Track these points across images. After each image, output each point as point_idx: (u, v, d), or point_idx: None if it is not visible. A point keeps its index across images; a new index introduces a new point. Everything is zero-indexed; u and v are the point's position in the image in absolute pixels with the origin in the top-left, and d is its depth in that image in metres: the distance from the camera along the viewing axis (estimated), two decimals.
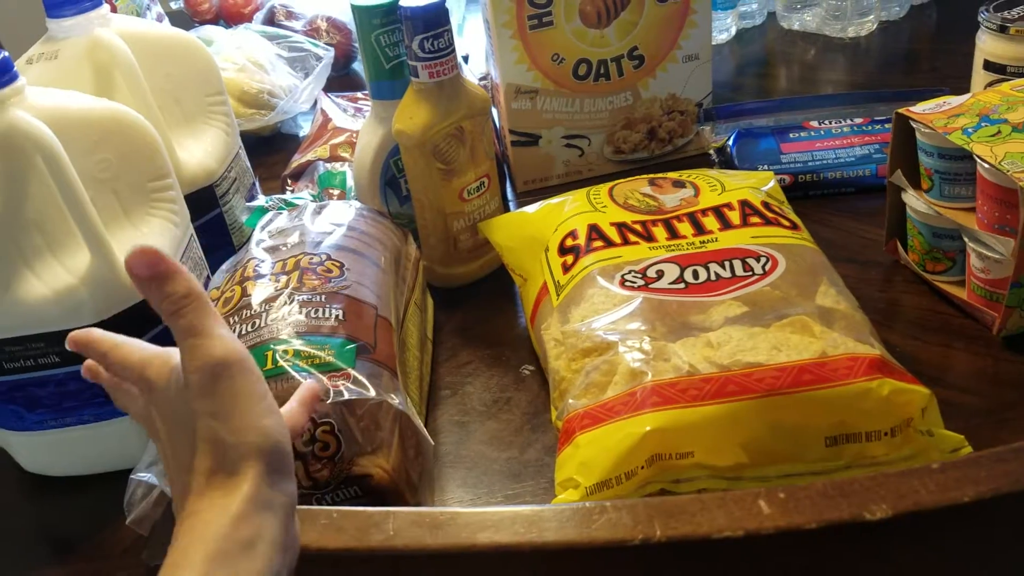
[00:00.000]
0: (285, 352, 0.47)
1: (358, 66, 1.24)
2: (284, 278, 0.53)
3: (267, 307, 0.51)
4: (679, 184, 0.64)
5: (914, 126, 0.60)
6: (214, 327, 0.33)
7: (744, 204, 0.60)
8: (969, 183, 0.58)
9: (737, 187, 0.62)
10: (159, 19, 1.38)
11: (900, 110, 0.61)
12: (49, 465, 0.56)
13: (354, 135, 0.85)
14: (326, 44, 1.16)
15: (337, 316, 0.50)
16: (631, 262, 0.56)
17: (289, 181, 0.83)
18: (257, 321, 0.50)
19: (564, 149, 0.85)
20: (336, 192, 0.74)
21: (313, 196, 0.75)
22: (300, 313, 0.50)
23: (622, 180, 0.66)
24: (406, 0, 0.64)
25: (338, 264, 0.55)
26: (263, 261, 0.55)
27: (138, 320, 0.53)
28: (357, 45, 1.22)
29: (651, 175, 0.66)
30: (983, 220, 0.56)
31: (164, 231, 0.56)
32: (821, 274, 0.55)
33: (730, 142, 0.84)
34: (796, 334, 0.49)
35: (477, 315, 0.69)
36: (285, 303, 0.51)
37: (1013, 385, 0.55)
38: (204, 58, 0.69)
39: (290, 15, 1.31)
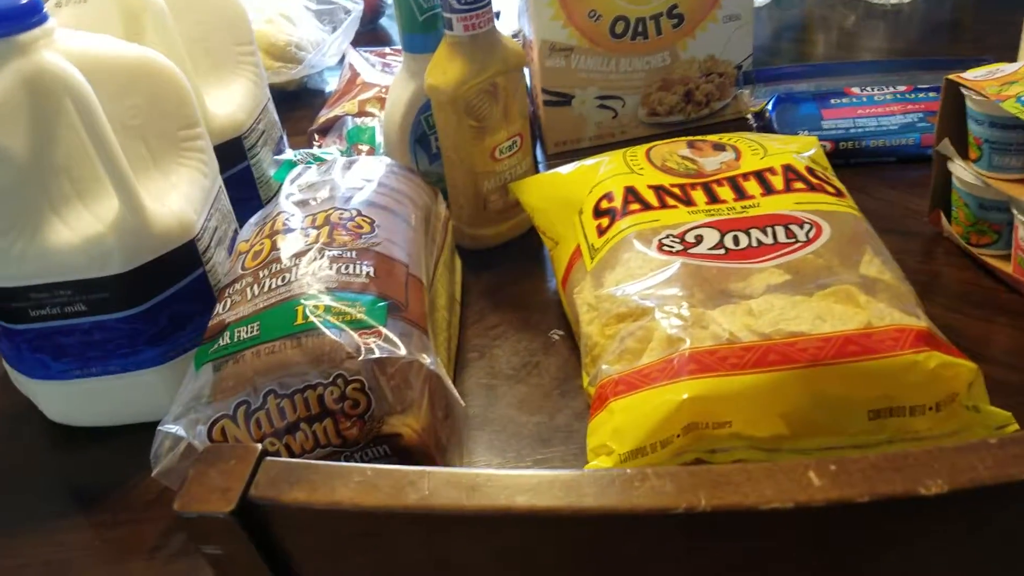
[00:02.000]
0: (316, 307, 0.46)
1: (385, 21, 1.22)
2: (314, 233, 0.52)
3: (297, 261, 0.50)
4: (719, 147, 0.62)
5: (965, 93, 0.58)
6: None
7: (787, 169, 0.58)
8: (1021, 153, 0.56)
9: (780, 151, 0.60)
10: None
11: (950, 76, 0.59)
12: (74, 415, 0.56)
13: (383, 90, 0.84)
14: None
15: (368, 273, 0.49)
16: (669, 226, 0.54)
17: (316, 136, 0.81)
18: (287, 275, 0.49)
19: (597, 110, 0.83)
20: (365, 148, 0.72)
21: (341, 151, 0.74)
22: (330, 269, 0.49)
23: (659, 142, 0.64)
24: None
25: (369, 220, 0.54)
26: (293, 215, 0.54)
27: (166, 270, 0.53)
28: (387, 1, 1.20)
29: (690, 137, 0.64)
30: None
31: (193, 181, 0.55)
32: (865, 243, 0.53)
33: (769, 107, 0.81)
34: (840, 304, 0.48)
35: (506, 278, 0.68)
36: (315, 258, 0.50)
37: None
38: (235, 7, 0.67)
39: None
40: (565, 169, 0.64)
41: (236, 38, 0.68)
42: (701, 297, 0.49)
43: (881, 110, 0.78)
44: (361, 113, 0.81)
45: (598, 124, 0.84)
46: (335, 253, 0.50)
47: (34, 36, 0.48)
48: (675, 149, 0.62)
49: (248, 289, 0.49)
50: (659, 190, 0.58)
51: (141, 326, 0.52)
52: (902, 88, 0.80)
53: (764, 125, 0.81)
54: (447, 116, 0.66)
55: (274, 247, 0.51)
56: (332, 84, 1.03)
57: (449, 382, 0.46)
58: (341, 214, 0.54)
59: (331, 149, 0.74)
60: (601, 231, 0.56)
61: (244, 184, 0.67)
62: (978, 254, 0.61)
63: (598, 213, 0.58)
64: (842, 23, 1.07)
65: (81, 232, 0.50)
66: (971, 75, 0.58)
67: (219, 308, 0.49)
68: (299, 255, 0.50)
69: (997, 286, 0.60)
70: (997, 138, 0.56)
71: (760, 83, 0.84)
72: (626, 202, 0.57)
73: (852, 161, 0.75)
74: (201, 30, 0.65)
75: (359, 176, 0.60)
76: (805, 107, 0.80)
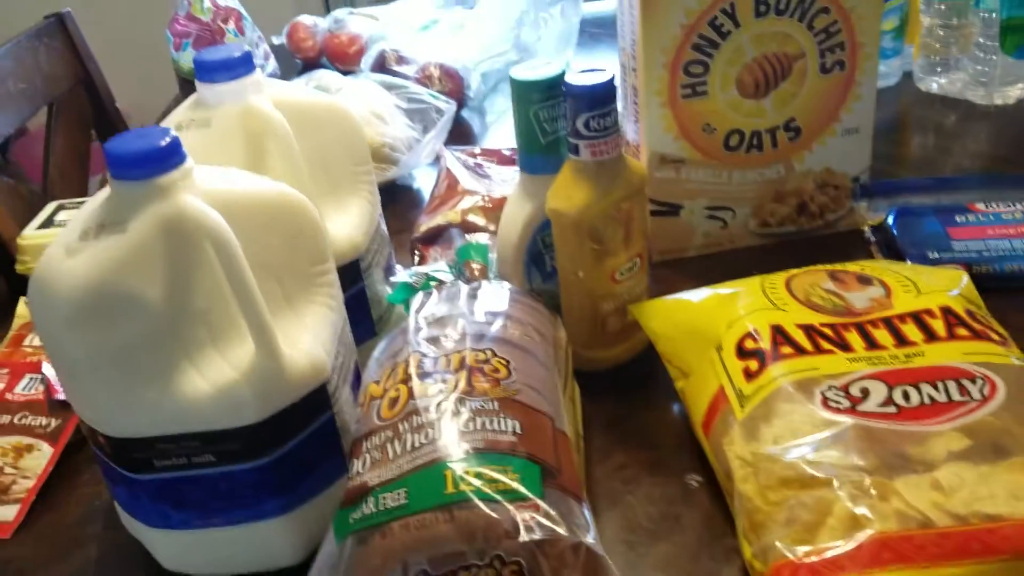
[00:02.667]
0: (466, 473, 0.43)
1: (466, 114, 1.22)
2: (452, 379, 0.49)
3: (438, 414, 0.47)
4: (865, 280, 0.59)
5: None
6: None
7: (947, 312, 0.54)
8: None
9: (933, 289, 0.57)
10: (266, 57, 1.37)
11: None
12: (190, 564, 0.53)
13: (485, 200, 0.82)
14: (438, 92, 1.13)
15: (514, 429, 0.46)
16: (830, 376, 0.51)
17: (419, 246, 0.79)
18: (430, 431, 0.46)
19: (706, 220, 0.80)
20: (477, 266, 0.70)
21: (450, 267, 0.71)
22: (474, 424, 0.46)
23: (797, 271, 0.61)
24: (572, 75, 0.60)
25: (504, 362, 0.51)
26: (426, 355, 0.52)
27: (297, 416, 0.50)
28: (469, 94, 1.20)
29: (829, 267, 0.61)
30: None
31: (324, 319, 0.53)
32: None
33: (890, 221, 0.78)
34: None
35: (626, 406, 0.64)
36: (456, 411, 0.47)
37: None
38: (353, 126, 0.66)
39: (401, 60, 1.29)
40: (695, 296, 0.61)
41: (354, 158, 0.66)
42: (876, 463, 0.45)
43: (1012, 231, 0.74)
44: (464, 223, 0.79)
45: (706, 234, 0.81)
46: (477, 404, 0.47)
47: (173, 178, 0.46)
48: (817, 281, 0.59)
49: (388, 445, 0.46)
50: (809, 330, 0.54)
51: (269, 476, 0.50)
52: None
53: (886, 240, 0.77)
54: (568, 239, 0.63)
55: (411, 395, 0.48)
56: (420, 181, 1.02)
57: (611, 565, 0.42)
58: (477, 355, 0.51)
59: (439, 265, 0.72)
60: (749, 375, 0.53)
61: (358, 306, 0.65)
62: None
63: (743, 353, 0.54)
64: (941, 123, 1.03)
65: (215, 381, 0.47)
66: None
67: (358, 466, 0.46)
68: (439, 406, 0.47)
69: None
70: None
71: (877, 196, 0.81)
72: (775, 344, 0.53)
73: (986, 287, 0.71)
74: (321, 151, 0.63)
75: (487, 307, 0.57)
76: (928, 224, 0.76)
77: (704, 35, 0.71)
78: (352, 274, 0.64)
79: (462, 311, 0.56)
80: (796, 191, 0.79)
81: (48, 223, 0.88)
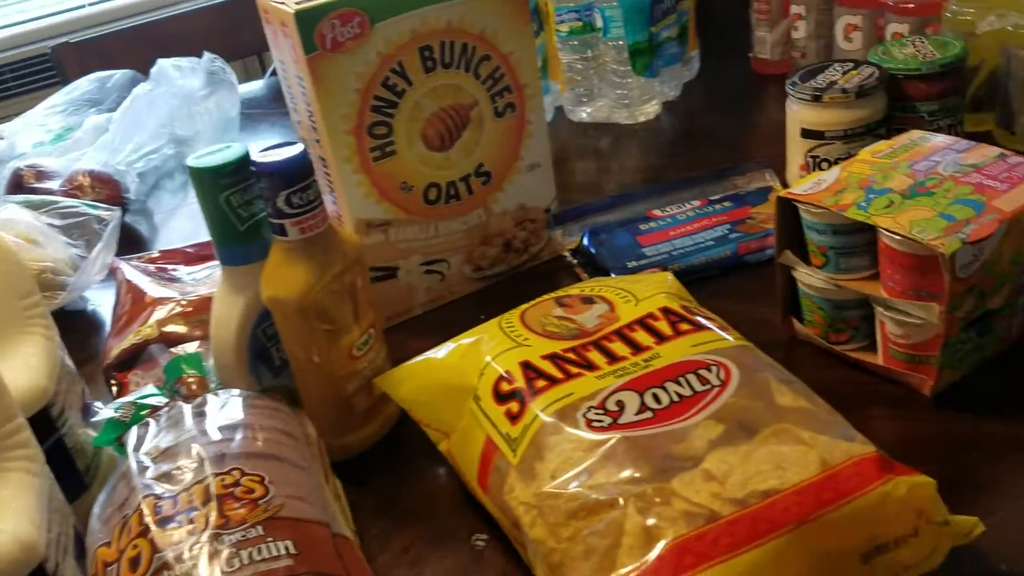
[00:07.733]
0: None
1: (130, 218, 1.11)
2: (199, 515, 0.43)
3: (194, 561, 0.40)
4: (588, 300, 0.61)
5: (801, 208, 0.62)
6: None
7: (667, 312, 0.57)
8: (865, 254, 0.60)
9: (647, 294, 0.60)
10: None
11: (781, 194, 0.63)
12: None
13: (183, 304, 0.74)
14: (93, 201, 1.02)
15: (287, 550, 0.41)
16: (585, 397, 0.51)
17: (115, 375, 0.70)
18: None
19: (424, 276, 0.79)
20: (193, 379, 0.63)
21: (160, 389, 0.63)
22: (239, 560, 0.40)
23: (527, 306, 0.61)
24: (259, 154, 0.56)
25: (258, 479, 0.45)
26: (162, 497, 0.44)
27: None
28: (130, 197, 1.09)
29: (553, 295, 0.62)
30: (894, 288, 0.58)
31: (25, 487, 0.43)
32: (765, 372, 0.53)
33: (585, 242, 0.82)
34: (785, 445, 0.47)
35: (393, 485, 0.61)
36: (215, 551, 0.41)
37: (966, 445, 0.56)
38: (9, 257, 0.56)
39: (41, 175, 1.15)
40: (439, 353, 0.60)
41: (18, 292, 0.56)
42: (650, 470, 0.46)
43: (690, 228, 0.81)
44: (163, 336, 0.71)
45: (427, 289, 0.80)
46: (237, 536, 0.41)
47: None
48: (547, 311, 0.60)
49: None
50: (555, 359, 0.55)
51: None
52: (696, 203, 0.85)
53: (587, 260, 0.82)
54: (294, 326, 0.59)
55: (155, 548, 0.41)
56: (95, 301, 0.91)
57: None
58: (223, 480, 0.45)
59: (148, 389, 0.63)
60: (513, 417, 0.52)
61: (60, 459, 0.54)
62: (842, 351, 0.64)
63: (501, 397, 0.53)
64: (598, 147, 1.12)
65: None
66: (800, 190, 0.62)
67: None
68: (192, 551, 0.41)
69: (867, 379, 0.63)
70: (842, 244, 0.60)
71: (568, 221, 0.86)
72: (529, 380, 0.53)
73: (683, 281, 0.77)
74: None
75: (219, 422, 0.51)
76: (620, 237, 0.82)
77: (380, 96, 0.71)
78: (44, 424, 0.54)
79: (192, 434, 0.49)
80: (499, 231, 0.81)
81: None
